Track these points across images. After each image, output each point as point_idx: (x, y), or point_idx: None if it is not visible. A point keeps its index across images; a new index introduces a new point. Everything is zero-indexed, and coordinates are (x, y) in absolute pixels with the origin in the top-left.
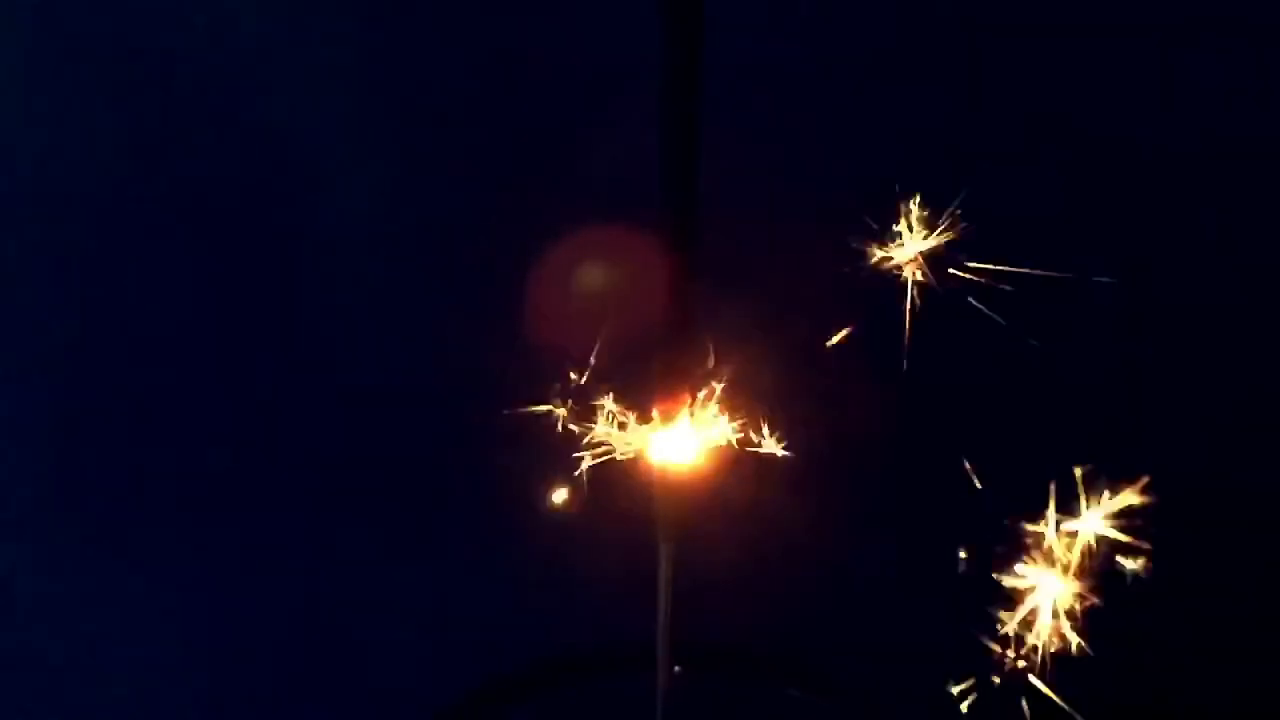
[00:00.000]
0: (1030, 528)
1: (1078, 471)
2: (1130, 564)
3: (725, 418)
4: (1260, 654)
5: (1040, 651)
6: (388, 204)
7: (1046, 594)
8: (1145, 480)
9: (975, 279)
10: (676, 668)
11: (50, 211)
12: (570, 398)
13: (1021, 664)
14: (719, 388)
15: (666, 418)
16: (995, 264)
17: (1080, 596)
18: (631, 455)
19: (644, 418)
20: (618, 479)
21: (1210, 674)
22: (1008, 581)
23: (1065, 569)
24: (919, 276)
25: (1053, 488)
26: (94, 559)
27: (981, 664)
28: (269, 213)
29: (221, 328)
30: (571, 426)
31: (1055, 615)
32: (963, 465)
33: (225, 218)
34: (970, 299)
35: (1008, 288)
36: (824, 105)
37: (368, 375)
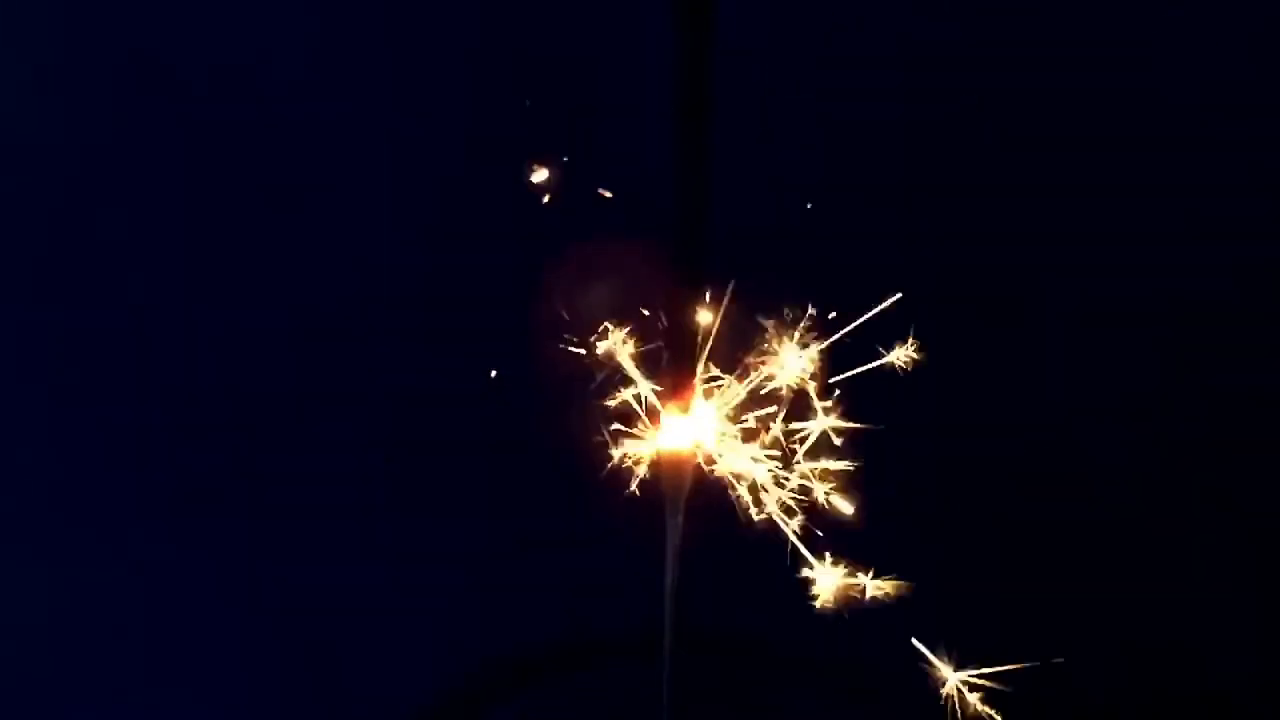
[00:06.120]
0: None
1: None
2: None
3: (734, 409)
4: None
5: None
6: (390, 203)
7: None
8: None
9: None
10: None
11: (46, 209)
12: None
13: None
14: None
15: (677, 405)
16: None
17: None
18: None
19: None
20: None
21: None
22: None
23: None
24: None
25: None
26: (81, 555)
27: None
28: (265, 212)
29: (217, 328)
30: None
31: None
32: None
33: (221, 217)
34: None
35: None
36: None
37: (364, 376)
